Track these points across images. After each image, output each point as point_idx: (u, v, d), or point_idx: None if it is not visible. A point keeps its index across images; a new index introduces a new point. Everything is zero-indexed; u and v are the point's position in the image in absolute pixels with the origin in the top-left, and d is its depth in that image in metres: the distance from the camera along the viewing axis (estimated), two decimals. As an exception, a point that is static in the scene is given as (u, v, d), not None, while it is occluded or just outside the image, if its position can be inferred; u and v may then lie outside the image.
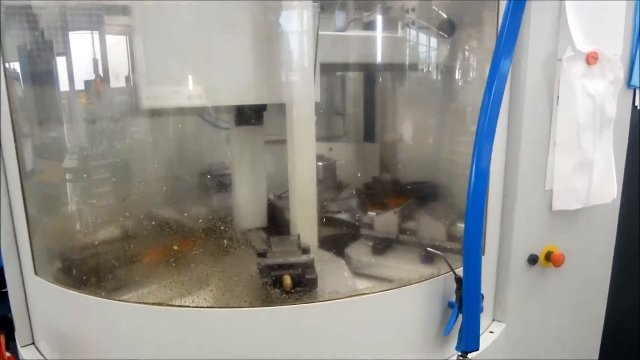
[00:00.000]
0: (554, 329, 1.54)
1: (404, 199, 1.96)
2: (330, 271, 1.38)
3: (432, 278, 1.19)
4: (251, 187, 1.78)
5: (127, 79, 1.46)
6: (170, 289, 1.14)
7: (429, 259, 1.43)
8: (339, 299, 1.11)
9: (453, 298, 1.21)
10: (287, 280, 1.18)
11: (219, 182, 2.10)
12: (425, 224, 1.49)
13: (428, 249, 1.20)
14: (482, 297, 1.21)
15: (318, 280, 1.21)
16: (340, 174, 2.43)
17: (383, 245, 1.52)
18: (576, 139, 1.36)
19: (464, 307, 1.14)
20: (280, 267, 1.22)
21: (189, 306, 1.08)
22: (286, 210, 1.65)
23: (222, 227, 1.44)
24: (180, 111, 1.59)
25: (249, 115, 1.65)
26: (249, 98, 1.48)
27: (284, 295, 1.14)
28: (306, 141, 1.43)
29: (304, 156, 1.44)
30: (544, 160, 1.38)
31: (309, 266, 1.23)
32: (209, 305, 1.09)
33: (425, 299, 1.18)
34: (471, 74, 1.74)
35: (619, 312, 1.80)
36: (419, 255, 1.47)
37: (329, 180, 2.32)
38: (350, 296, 1.11)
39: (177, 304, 1.08)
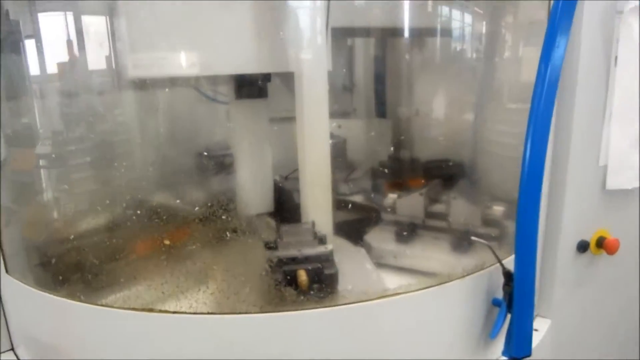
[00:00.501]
0: (605, 324, 1.36)
1: (425, 179, 1.77)
2: (350, 263, 1.20)
3: (474, 272, 1.00)
4: (255, 168, 1.59)
5: (109, 44, 1.26)
6: (163, 292, 0.96)
7: (462, 247, 1.25)
8: (367, 300, 0.92)
9: (499, 294, 1.02)
10: (303, 276, 0.99)
11: (218, 164, 1.91)
12: (456, 207, 1.30)
13: (473, 237, 1.01)
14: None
15: (338, 276, 1.02)
16: (351, 153, 2.24)
17: (408, 232, 1.33)
18: (636, 107, 1.17)
19: (515, 306, 0.95)
20: (294, 260, 1.03)
21: (185, 312, 0.89)
22: (295, 193, 1.47)
23: (222, 215, 1.25)
24: (172, 82, 1.39)
25: (251, 87, 1.45)
26: (251, 66, 1.28)
27: (300, 296, 0.96)
28: (318, 114, 1.24)
29: (315, 131, 1.25)
30: (598, 132, 1.18)
31: (327, 259, 1.04)
32: (209, 310, 0.91)
33: (467, 297, 1.00)
34: (509, 39, 1.53)
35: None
36: (449, 242, 1.28)
37: (339, 161, 2.13)
38: (381, 297, 0.93)
39: (171, 309, 0.89)
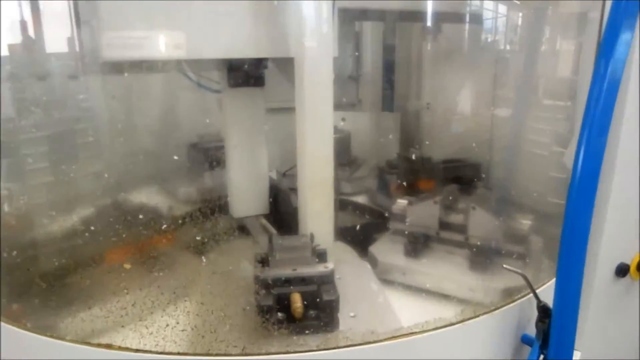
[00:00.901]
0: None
1: (438, 182, 1.60)
2: (353, 282, 1.04)
3: (502, 306, 0.84)
4: (248, 164, 1.43)
5: (77, 21, 1.08)
6: (122, 315, 0.79)
7: (481, 265, 1.08)
8: (376, 342, 0.75)
9: (529, 330, 0.86)
10: (297, 302, 0.83)
11: (207, 159, 1.75)
12: (476, 218, 1.13)
13: (505, 265, 0.85)
14: (572, 330, 0.86)
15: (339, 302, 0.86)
16: (355, 149, 2.07)
17: (419, 245, 1.16)
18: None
19: (551, 347, 0.79)
20: (287, 282, 0.87)
21: (150, 351, 0.72)
22: (294, 193, 1.31)
23: (207, 219, 1.10)
24: (153, 66, 1.21)
25: (246, 74, 1.29)
26: (246, 51, 1.11)
27: (290, 326, 0.80)
28: (321, 105, 1.08)
29: (318, 124, 1.10)
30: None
31: (327, 280, 0.88)
32: (180, 350, 0.74)
33: (494, 335, 0.84)
34: (547, 31, 1.35)
35: None
36: (467, 259, 1.12)
37: (343, 157, 1.96)
38: (394, 337, 0.76)
39: (133, 345, 0.73)
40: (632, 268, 1.08)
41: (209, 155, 1.76)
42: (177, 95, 1.45)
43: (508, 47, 1.55)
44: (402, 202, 1.26)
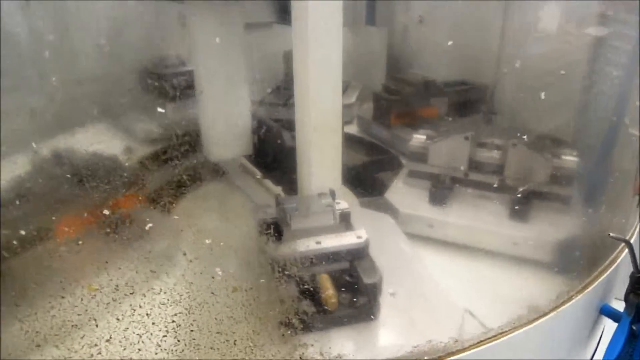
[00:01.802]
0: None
1: (442, 108, 1.38)
2: (376, 239, 0.83)
3: (589, 286, 0.66)
4: (224, 95, 1.15)
5: None
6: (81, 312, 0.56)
7: (521, 212, 0.91)
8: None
9: (608, 300, 0.70)
10: (330, 288, 0.63)
11: (169, 86, 1.45)
12: (517, 156, 0.94)
13: (611, 234, 0.66)
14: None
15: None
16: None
17: (445, 189, 0.97)
18: None
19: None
20: (310, 260, 0.65)
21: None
22: (285, 131, 1.08)
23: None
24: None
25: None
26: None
27: (324, 320, 0.61)
28: (329, 14, 0.82)
29: (323, 40, 0.83)
30: None
31: (361, 254, 0.67)
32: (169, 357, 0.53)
33: (577, 321, 0.67)
34: None
35: None
36: (504, 205, 0.94)
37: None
38: (477, 344, 0.57)
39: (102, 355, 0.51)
40: None
41: (170, 84, 1.46)
42: (128, 8, 1.13)
43: None
44: (419, 137, 1.05)
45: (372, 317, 0.65)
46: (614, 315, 0.70)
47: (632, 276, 0.66)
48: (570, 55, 1.05)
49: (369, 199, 1.07)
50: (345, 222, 0.72)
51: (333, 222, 0.69)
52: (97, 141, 1.46)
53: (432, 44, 1.67)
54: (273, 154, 1.15)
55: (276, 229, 0.69)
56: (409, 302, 0.69)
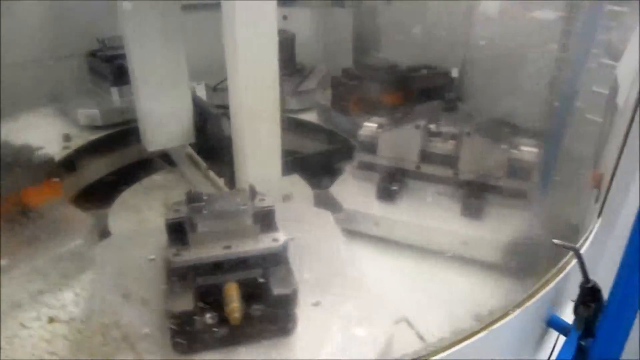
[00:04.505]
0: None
1: (406, 94, 1.30)
2: (309, 240, 0.75)
3: (535, 294, 0.58)
4: (163, 81, 1.05)
5: None
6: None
7: (473, 208, 0.83)
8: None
9: (557, 311, 0.62)
10: (233, 300, 0.54)
11: (113, 71, 1.36)
12: (471, 147, 0.86)
13: (555, 241, 0.59)
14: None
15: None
16: (300, 55, 1.70)
17: (395, 183, 0.89)
18: None
19: (600, 342, 0.56)
20: (217, 267, 0.57)
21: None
22: (225, 118, 0.99)
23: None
24: None
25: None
26: None
27: (222, 337, 0.53)
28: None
29: (254, 20, 0.75)
30: None
31: (277, 260, 0.59)
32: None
33: (521, 331, 0.59)
34: None
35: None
36: (458, 200, 0.86)
37: (286, 66, 1.59)
38: None
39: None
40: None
41: (114, 66, 1.35)
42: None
43: None
44: (370, 125, 0.96)
45: (285, 332, 0.57)
46: (562, 328, 0.63)
47: (581, 286, 0.58)
48: (529, 39, 0.97)
49: (316, 192, 0.99)
50: (266, 222, 0.64)
51: (247, 224, 0.61)
52: (35, 127, 1.37)
53: (400, 26, 1.58)
54: (214, 143, 1.06)
55: (181, 233, 0.60)
56: (333, 314, 0.61)
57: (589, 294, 0.58)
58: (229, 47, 0.79)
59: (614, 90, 0.72)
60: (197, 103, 1.11)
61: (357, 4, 1.80)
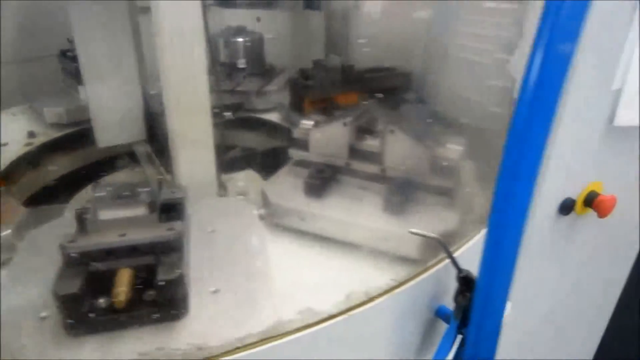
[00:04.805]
0: (574, 302, 1.05)
1: (360, 97, 1.33)
2: (229, 232, 0.78)
3: (411, 280, 0.61)
4: (110, 77, 1.08)
5: None
6: None
7: (398, 205, 0.85)
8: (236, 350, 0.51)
9: (446, 301, 0.64)
10: (121, 284, 0.57)
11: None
12: (394, 144, 0.88)
13: (412, 230, 0.61)
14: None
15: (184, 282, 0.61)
16: (272, 56, 1.73)
17: (323, 179, 0.91)
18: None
19: (472, 328, 0.58)
20: (111, 254, 0.60)
21: None
22: None
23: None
24: None
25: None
26: None
27: (110, 318, 0.55)
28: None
29: (178, 19, 0.77)
30: (618, 38, 0.76)
31: (170, 248, 0.62)
32: None
33: (399, 317, 0.61)
34: None
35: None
36: (383, 197, 0.88)
37: (254, 66, 1.63)
38: (260, 342, 0.52)
39: None
40: (579, 202, 0.88)
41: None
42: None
43: None
44: (307, 123, 0.98)
45: (174, 317, 0.59)
46: (447, 317, 0.64)
47: (457, 276, 0.60)
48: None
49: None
50: (173, 213, 0.67)
51: (144, 213, 0.63)
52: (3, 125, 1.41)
53: (368, 29, 1.61)
54: (161, 140, 1.09)
55: (82, 218, 0.63)
56: (228, 300, 0.63)
57: (464, 284, 0.60)
58: (158, 43, 0.82)
59: (512, 83, 0.74)
60: (147, 101, 1.15)
61: (329, 6, 1.83)
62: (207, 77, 0.86)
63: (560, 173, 0.81)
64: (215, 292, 0.65)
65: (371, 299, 0.56)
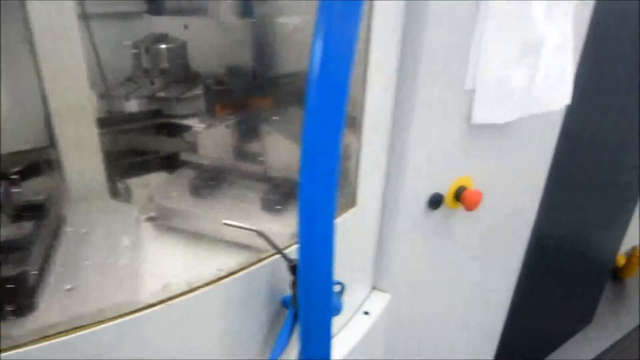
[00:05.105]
0: (459, 299, 1.10)
1: (265, 101, 1.36)
2: (104, 232, 0.80)
3: (250, 266, 0.65)
4: (7, 83, 1.09)
5: None
6: None
7: (276, 203, 0.89)
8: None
9: (289, 292, 0.68)
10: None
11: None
12: (272, 145, 0.92)
13: (226, 221, 0.65)
14: (343, 287, 0.70)
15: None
16: (198, 63, 1.75)
17: (207, 180, 0.94)
18: (521, 9, 0.81)
19: (301, 309, 0.62)
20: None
21: None
22: None
23: None
24: None
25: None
26: None
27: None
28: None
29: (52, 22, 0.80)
30: (465, 41, 0.81)
31: (18, 246, 0.64)
32: None
33: (230, 307, 0.65)
34: None
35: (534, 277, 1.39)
36: (260, 197, 0.92)
37: (175, 73, 1.65)
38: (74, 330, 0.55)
39: None
40: (449, 197, 0.94)
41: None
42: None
43: None
44: (198, 126, 1.02)
45: (19, 314, 0.61)
46: (288, 306, 0.68)
47: (288, 266, 0.64)
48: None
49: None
50: (33, 214, 0.69)
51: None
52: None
53: (293, 37, 1.66)
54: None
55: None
56: (78, 298, 0.66)
57: (294, 272, 0.64)
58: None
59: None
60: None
61: (261, 16, 1.86)
62: (85, 77, 0.88)
63: (422, 169, 0.86)
64: (70, 289, 0.67)
65: (193, 289, 0.59)
